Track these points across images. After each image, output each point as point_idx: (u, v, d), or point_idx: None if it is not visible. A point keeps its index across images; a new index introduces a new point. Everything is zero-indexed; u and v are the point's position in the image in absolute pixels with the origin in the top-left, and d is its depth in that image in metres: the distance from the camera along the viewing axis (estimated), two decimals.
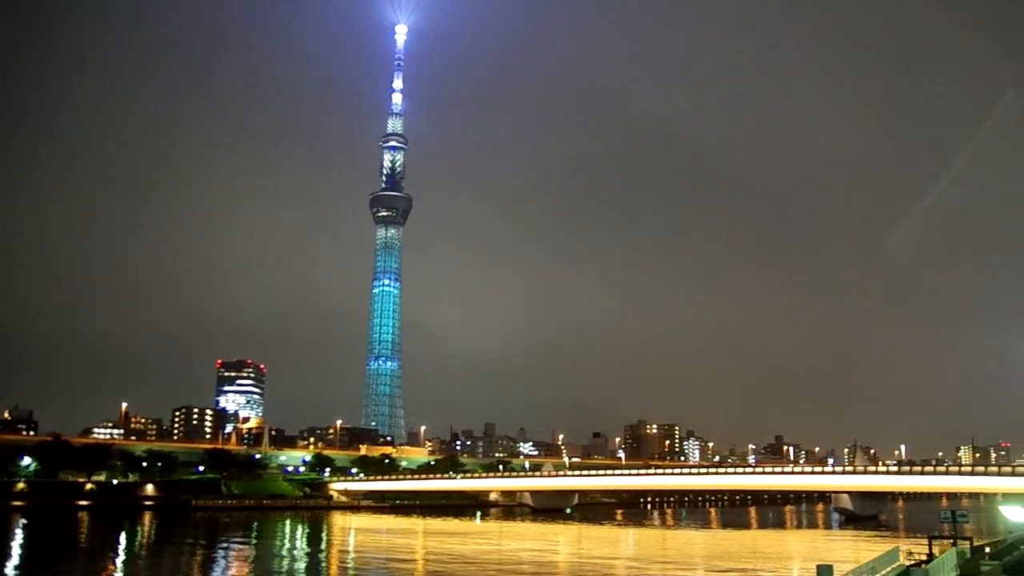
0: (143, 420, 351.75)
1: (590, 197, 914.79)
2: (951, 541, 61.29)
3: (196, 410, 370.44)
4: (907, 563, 53.82)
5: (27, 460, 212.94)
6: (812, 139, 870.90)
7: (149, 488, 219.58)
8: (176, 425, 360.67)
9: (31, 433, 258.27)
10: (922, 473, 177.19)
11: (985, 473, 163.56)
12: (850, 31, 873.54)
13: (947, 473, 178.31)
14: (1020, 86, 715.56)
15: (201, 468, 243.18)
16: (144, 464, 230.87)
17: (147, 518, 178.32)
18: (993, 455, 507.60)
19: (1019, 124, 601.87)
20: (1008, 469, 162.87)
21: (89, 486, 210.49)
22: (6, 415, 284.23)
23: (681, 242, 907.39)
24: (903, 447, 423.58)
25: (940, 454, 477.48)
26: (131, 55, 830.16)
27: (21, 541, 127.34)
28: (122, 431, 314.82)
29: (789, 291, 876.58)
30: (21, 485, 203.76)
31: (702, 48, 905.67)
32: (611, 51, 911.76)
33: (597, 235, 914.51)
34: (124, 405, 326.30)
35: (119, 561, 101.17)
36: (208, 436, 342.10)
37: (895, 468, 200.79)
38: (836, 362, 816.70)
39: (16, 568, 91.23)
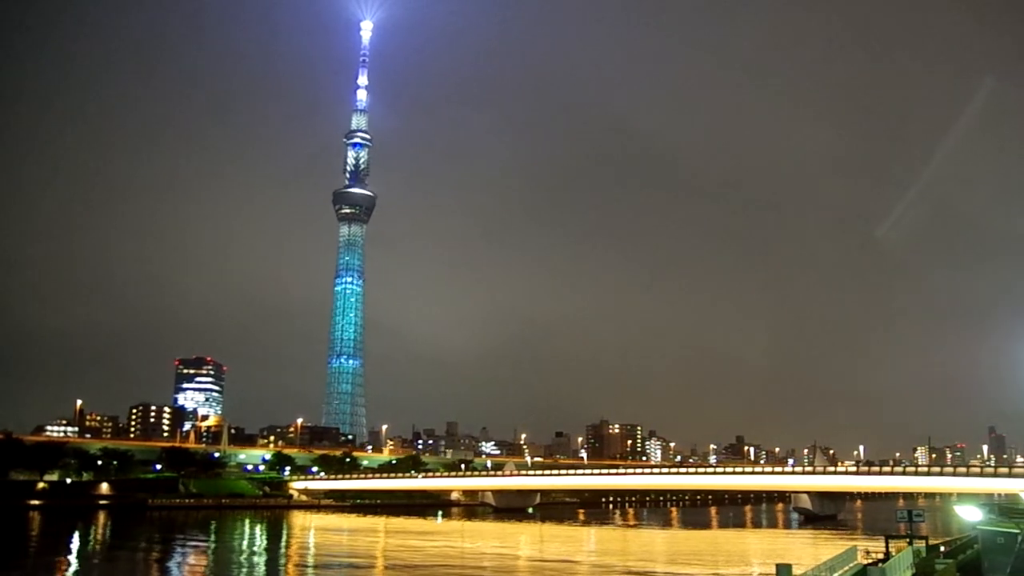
0: (99, 418, 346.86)
1: (555, 195, 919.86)
2: (907, 540, 62.75)
3: (154, 408, 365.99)
4: (864, 562, 54.58)
5: None
6: (780, 137, 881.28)
7: (104, 487, 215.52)
8: (133, 423, 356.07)
9: None
10: (880, 473, 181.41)
11: (941, 474, 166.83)
12: (822, 24, 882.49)
13: (904, 474, 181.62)
14: (998, 71, 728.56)
15: (158, 467, 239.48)
16: (99, 463, 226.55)
17: (102, 518, 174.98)
18: (949, 456, 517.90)
19: (998, 109, 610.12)
20: (963, 470, 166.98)
21: (41, 485, 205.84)
22: None
23: (645, 242, 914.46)
24: (862, 448, 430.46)
25: (897, 455, 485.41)
26: (90, 52, 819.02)
27: None
28: (77, 429, 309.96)
29: (752, 292, 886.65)
30: None
31: (670, 45, 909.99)
32: (578, 48, 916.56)
33: (562, 234, 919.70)
34: (79, 402, 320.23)
35: (71, 563, 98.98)
36: (166, 434, 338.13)
37: (854, 469, 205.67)
38: (797, 363, 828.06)
39: None
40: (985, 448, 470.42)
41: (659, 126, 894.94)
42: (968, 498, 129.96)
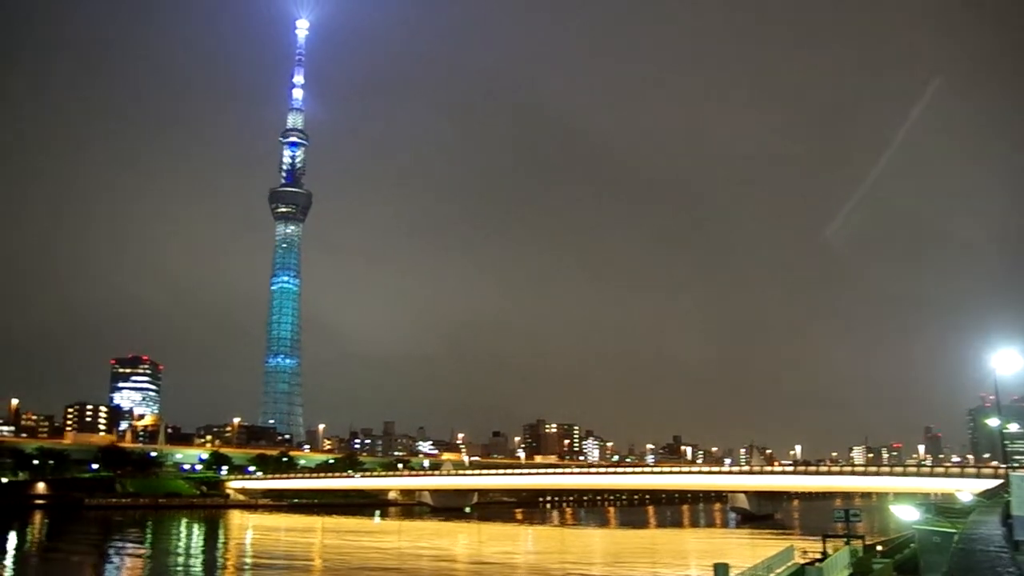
0: (34, 417, 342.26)
1: (492, 195, 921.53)
2: (844, 540, 62.66)
3: (90, 407, 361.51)
4: (802, 561, 55.20)
5: None
6: (726, 137, 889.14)
7: (40, 487, 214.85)
8: (69, 422, 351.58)
9: None
10: (817, 473, 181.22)
11: (878, 473, 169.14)
12: (774, 23, 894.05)
13: (841, 473, 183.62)
14: (946, 72, 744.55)
15: (95, 466, 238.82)
16: (35, 462, 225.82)
17: (38, 517, 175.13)
18: (885, 455, 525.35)
19: (946, 110, 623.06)
20: (900, 469, 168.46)
21: None
22: None
23: (582, 240, 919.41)
24: (798, 448, 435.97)
25: (834, 454, 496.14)
26: (20, 52, 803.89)
27: None
28: (13, 428, 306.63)
29: (688, 292, 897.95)
30: None
31: (611, 39, 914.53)
32: (517, 43, 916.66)
33: (499, 233, 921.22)
34: (15, 402, 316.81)
35: (7, 563, 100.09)
36: (102, 433, 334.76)
37: (791, 468, 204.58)
38: (734, 363, 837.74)
39: None
40: (922, 448, 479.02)
41: (599, 125, 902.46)
42: (905, 498, 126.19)
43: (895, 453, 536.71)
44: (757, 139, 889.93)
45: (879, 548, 68.07)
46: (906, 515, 69.44)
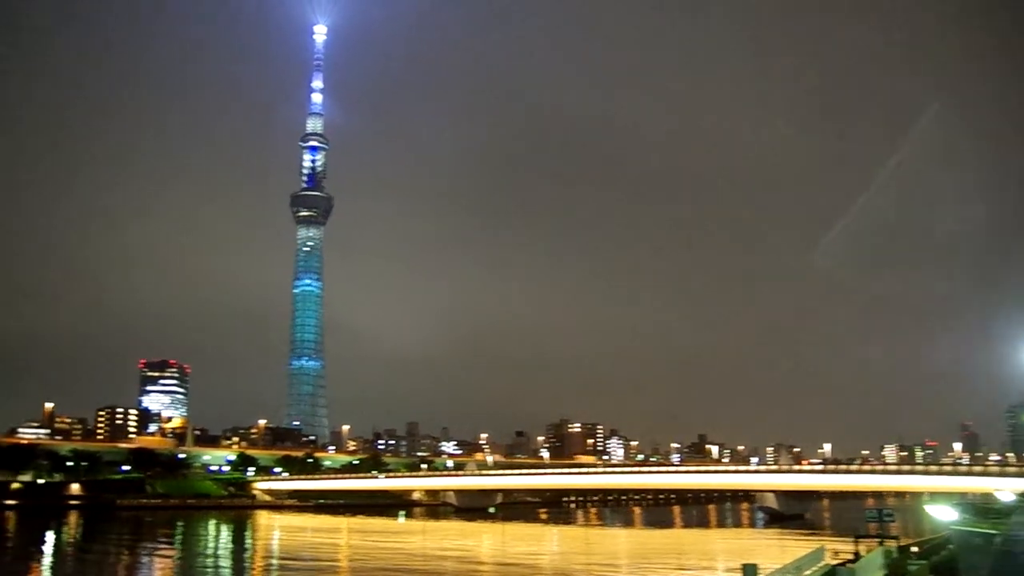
0: (68, 420, 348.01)
1: (513, 195, 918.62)
2: (878, 540, 59.45)
3: (120, 410, 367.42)
4: (833, 562, 52.76)
5: None
6: (741, 140, 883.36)
7: (75, 488, 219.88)
8: (100, 425, 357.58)
9: None
10: (848, 472, 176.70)
11: (912, 472, 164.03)
12: (780, 37, 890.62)
13: (873, 472, 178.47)
14: (943, 98, 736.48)
15: (126, 468, 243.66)
16: (70, 464, 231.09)
17: (73, 517, 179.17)
18: (919, 454, 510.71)
19: (942, 137, 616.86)
20: (935, 468, 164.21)
21: (15, 486, 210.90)
22: None
23: (605, 239, 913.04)
24: (827, 446, 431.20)
25: (865, 453, 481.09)
26: (45, 54, 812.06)
27: None
28: (48, 431, 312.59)
29: (713, 289, 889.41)
30: None
31: (631, 40, 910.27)
32: (535, 44, 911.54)
33: (520, 232, 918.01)
34: (49, 405, 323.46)
35: (46, 561, 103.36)
36: (132, 436, 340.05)
37: (820, 467, 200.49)
38: (760, 361, 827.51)
39: None
40: (958, 446, 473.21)
41: (620, 124, 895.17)
42: (941, 497, 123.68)
43: (930, 452, 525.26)
44: (785, 134, 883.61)
45: (914, 549, 66.11)
46: (943, 515, 68.90)
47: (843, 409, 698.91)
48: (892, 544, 59.11)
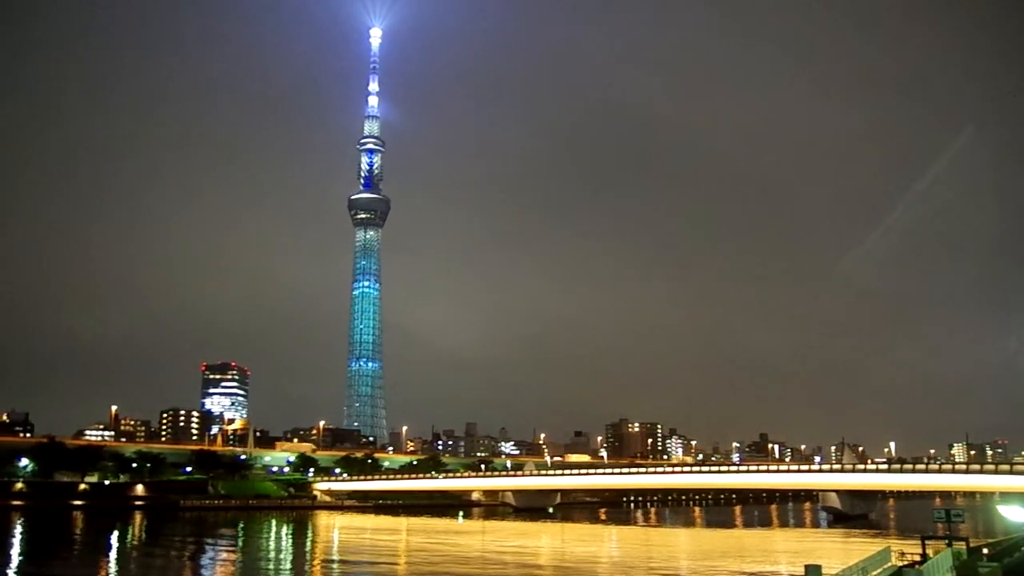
0: (132, 422, 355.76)
1: (570, 193, 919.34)
2: (946, 541, 58.08)
3: (183, 412, 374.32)
4: (900, 563, 52.17)
5: (24, 461, 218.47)
6: (799, 132, 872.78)
7: (139, 488, 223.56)
8: (164, 427, 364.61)
9: (27, 435, 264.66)
10: (914, 471, 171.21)
11: (982, 471, 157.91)
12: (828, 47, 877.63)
13: (941, 471, 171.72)
14: (979, 120, 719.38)
15: (188, 469, 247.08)
16: (134, 465, 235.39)
17: (138, 518, 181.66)
18: (989, 452, 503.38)
19: (979, 156, 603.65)
20: (1006, 467, 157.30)
21: (83, 486, 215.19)
22: (3, 418, 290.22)
23: (663, 237, 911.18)
24: (893, 444, 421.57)
25: (932, 451, 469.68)
26: (102, 55, 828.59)
27: (20, 540, 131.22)
28: (113, 433, 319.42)
29: (772, 286, 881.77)
30: (19, 485, 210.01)
31: (688, 33, 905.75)
32: (588, 40, 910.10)
33: (578, 232, 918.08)
34: (114, 408, 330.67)
35: (112, 559, 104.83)
36: (195, 437, 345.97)
37: (885, 466, 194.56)
38: (822, 358, 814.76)
39: (17, 566, 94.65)
40: None
41: (680, 119, 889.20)
42: (1012, 497, 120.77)
43: (1000, 450, 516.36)
44: (841, 129, 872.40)
45: (985, 551, 64.27)
46: (1014, 516, 67.13)
47: (909, 407, 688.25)
48: (961, 545, 57.84)
